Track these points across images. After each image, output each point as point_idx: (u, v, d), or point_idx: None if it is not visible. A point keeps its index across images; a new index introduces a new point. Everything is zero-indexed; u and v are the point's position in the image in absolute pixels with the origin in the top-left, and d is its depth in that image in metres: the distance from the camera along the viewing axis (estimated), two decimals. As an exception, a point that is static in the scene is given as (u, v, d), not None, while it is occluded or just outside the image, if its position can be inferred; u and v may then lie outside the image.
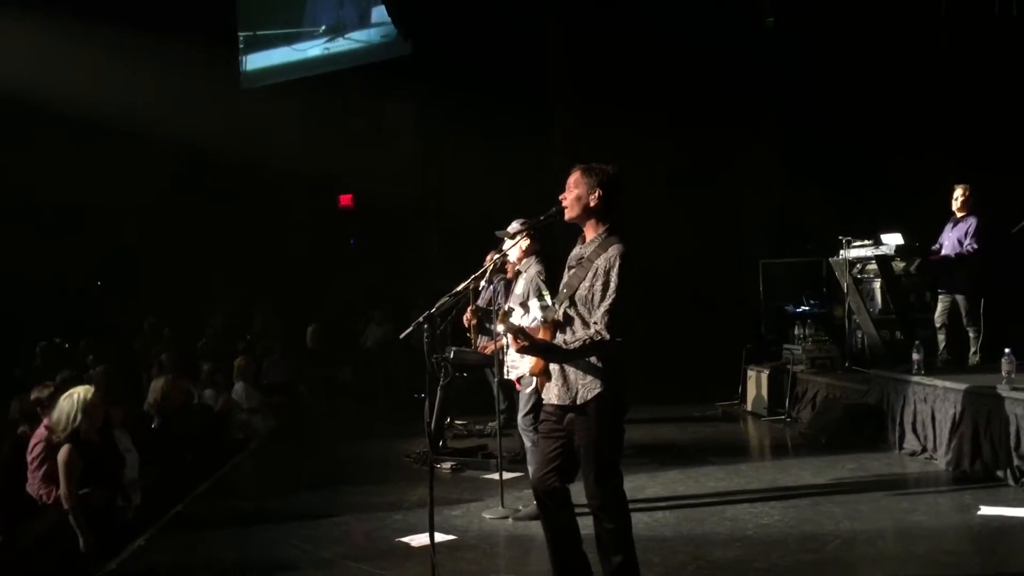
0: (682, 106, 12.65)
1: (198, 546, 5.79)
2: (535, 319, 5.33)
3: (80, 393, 5.92)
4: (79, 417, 5.80)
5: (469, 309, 7.58)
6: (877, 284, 9.58)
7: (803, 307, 11.34)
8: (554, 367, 4.23)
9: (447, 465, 7.62)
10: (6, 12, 12.75)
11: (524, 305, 5.99)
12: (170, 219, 14.19)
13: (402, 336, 4.61)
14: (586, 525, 4.30)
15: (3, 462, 6.19)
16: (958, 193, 8.90)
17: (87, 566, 5.21)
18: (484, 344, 7.78)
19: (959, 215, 8.94)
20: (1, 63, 12.51)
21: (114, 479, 5.96)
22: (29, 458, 5.87)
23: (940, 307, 9.10)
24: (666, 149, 12.77)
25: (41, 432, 6.06)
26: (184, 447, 7.41)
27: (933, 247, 9.14)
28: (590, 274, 4.13)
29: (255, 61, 16.33)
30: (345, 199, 16.14)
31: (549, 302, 5.84)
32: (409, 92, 14.98)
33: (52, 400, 6.26)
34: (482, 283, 7.30)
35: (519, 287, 6.18)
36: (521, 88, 13.61)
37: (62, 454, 5.76)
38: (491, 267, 6.42)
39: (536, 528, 4.91)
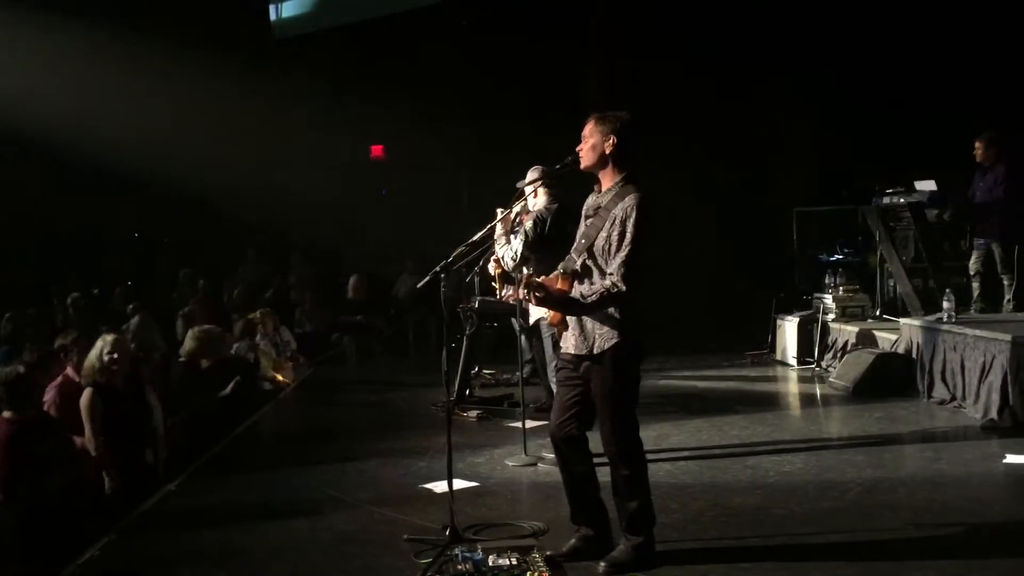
0: (714, 56, 12.49)
1: (227, 490, 5.92)
2: (507, 253, 5.46)
3: (107, 339, 6.06)
4: (104, 361, 5.93)
5: (494, 259, 7.59)
6: (912, 232, 9.46)
7: (837, 256, 11.22)
8: (571, 317, 4.24)
9: (473, 413, 7.69)
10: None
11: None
12: (200, 169, 14.26)
13: (419, 286, 4.64)
14: (605, 472, 4.34)
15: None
16: (978, 145, 8.77)
17: (112, 509, 5.34)
18: (509, 294, 7.80)
19: (986, 164, 8.79)
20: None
21: (141, 430, 6.08)
22: (44, 401, 5.97)
23: (974, 255, 8.97)
24: (699, 98, 12.64)
25: (58, 379, 6.22)
26: (217, 397, 7.52)
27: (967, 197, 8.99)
28: (607, 223, 4.11)
29: (287, 9, 16.23)
30: (376, 150, 16.13)
31: (518, 248, 6.05)
32: (442, 40, 14.86)
33: (75, 347, 6.39)
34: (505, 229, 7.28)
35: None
36: (557, 34, 13.46)
37: (84, 398, 5.91)
38: (514, 215, 6.43)
39: (557, 475, 4.95)
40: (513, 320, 7.89)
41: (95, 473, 5.58)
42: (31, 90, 12.87)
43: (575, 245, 4.25)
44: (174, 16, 13.80)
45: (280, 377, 9.40)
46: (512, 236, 6.99)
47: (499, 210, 6.00)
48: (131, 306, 10.22)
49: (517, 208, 6.44)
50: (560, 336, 4.34)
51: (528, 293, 4.11)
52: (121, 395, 6.05)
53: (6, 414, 5.29)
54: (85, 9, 13.00)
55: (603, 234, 4.12)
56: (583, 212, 4.31)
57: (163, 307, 11.83)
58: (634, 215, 4.05)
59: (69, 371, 6.51)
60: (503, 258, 6.24)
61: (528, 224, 6.26)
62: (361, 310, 12.36)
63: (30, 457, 5.16)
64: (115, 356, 6.04)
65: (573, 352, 4.23)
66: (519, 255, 6.23)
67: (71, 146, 13.04)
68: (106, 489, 5.64)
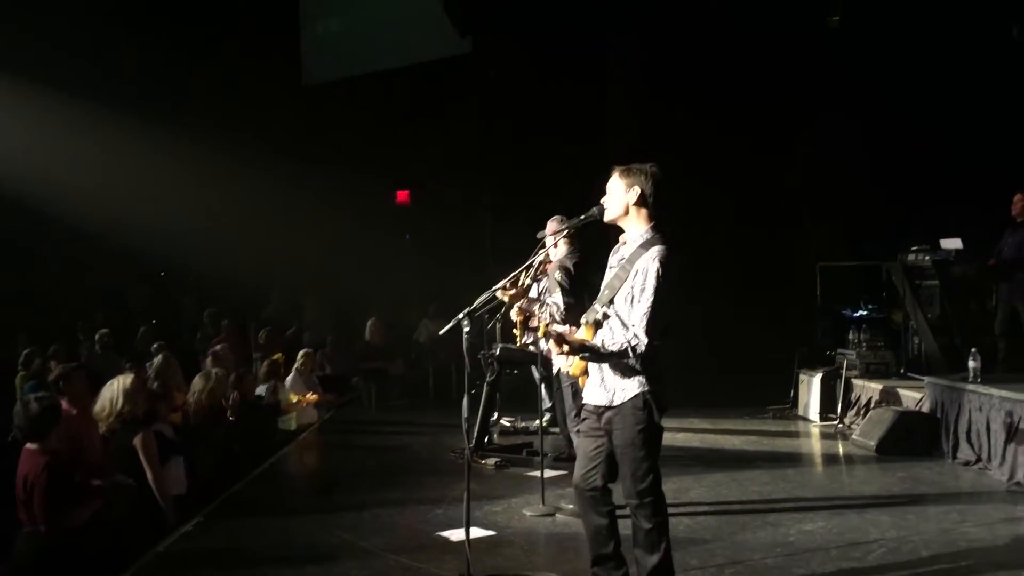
0: (741, 109, 12.56)
1: (242, 533, 5.91)
2: (544, 314, 5.58)
3: (121, 381, 6.09)
4: (121, 402, 5.95)
5: (517, 306, 7.59)
6: (937, 290, 9.39)
7: (861, 311, 11.13)
8: (592, 368, 4.25)
9: (491, 461, 7.65)
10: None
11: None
12: (230, 210, 14.46)
13: (442, 332, 4.64)
14: (626, 525, 4.30)
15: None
16: (1017, 198, 8.76)
17: (132, 549, 5.33)
18: (530, 341, 7.79)
19: (1018, 220, 8.77)
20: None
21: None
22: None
23: (1000, 314, 8.92)
24: (725, 151, 12.69)
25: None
26: (231, 440, 7.53)
27: (995, 253, 8.96)
28: (630, 276, 4.12)
29: (317, 56, 16.49)
30: (402, 195, 16.27)
31: (561, 300, 6.18)
32: (468, 89, 15.06)
33: (72, 379, 6.36)
34: (528, 279, 7.32)
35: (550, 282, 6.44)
36: (580, 84, 13.59)
37: (139, 439, 5.93)
38: (537, 264, 6.47)
39: (576, 525, 4.93)
40: (533, 368, 7.89)
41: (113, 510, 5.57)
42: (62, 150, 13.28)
43: (599, 296, 4.26)
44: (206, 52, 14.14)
45: (297, 410, 9.45)
46: (536, 284, 7.03)
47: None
48: (155, 345, 10.28)
49: (540, 258, 6.49)
50: (582, 385, 4.33)
51: (547, 341, 4.11)
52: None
53: (30, 446, 5.30)
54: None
55: (626, 286, 4.13)
56: (608, 263, 4.32)
57: (186, 347, 11.93)
58: (655, 267, 4.06)
59: (63, 403, 6.45)
60: (552, 314, 6.29)
61: (558, 275, 6.37)
62: (380, 354, 12.34)
63: (69, 488, 5.17)
64: (135, 394, 6.07)
65: (595, 403, 4.22)
66: (562, 306, 6.33)
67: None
68: (171, 525, 5.74)
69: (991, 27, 10.99)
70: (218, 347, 10.20)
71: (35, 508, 5.15)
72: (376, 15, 15.76)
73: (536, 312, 6.58)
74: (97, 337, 10.92)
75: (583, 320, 4.25)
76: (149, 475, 5.89)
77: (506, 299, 6.67)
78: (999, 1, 10.93)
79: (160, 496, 5.89)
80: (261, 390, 9.18)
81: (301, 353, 10.45)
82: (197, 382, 7.74)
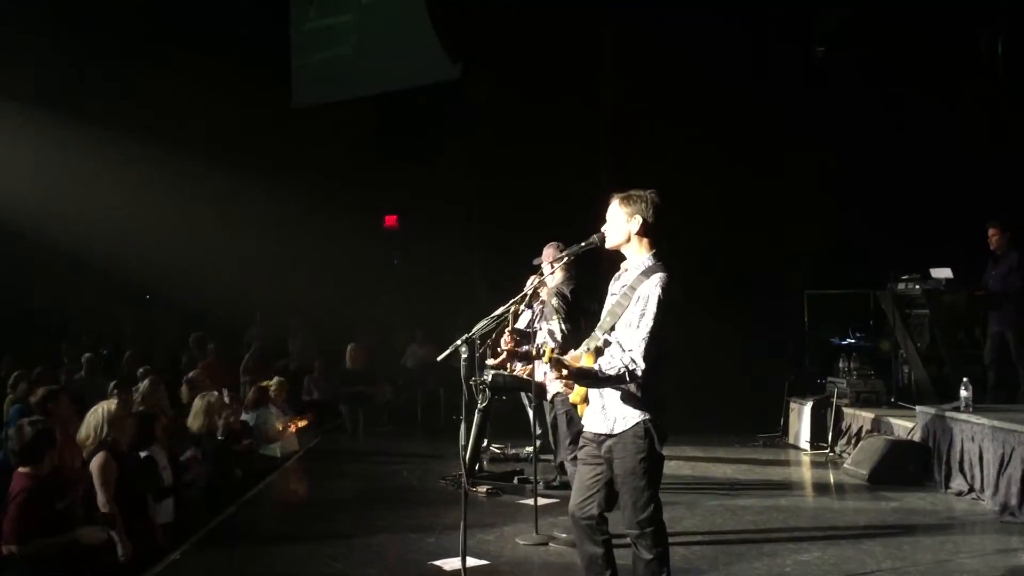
0: (732, 135, 12.61)
1: (231, 562, 5.82)
2: (544, 340, 5.60)
3: (105, 407, 5.99)
4: (105, 429, 5.84)
5: (508, 332, 7.55)
6: (927, 319, 9.42)
7: (849, 340, 11.14)
8: (593, 395, 4.20)
9: (483, 489, 7.58)
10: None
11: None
12: (217, 232, 14.38)
13: (440, 358, 4.59)
14: (624, 555, 4.24)
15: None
16: (991, 232, 8.87)
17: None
18: (521, 368, 7.75)
19: (998, 253, 8.86)
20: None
21: (146, 494, 5.99)
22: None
23: (989, 343, 8.95)
24: (713, 178, 12.72)
25: None
26: (229, 465, 7.45)
27: (982, 285, 9.01)
28: (632, 302, 4.09)
29: (306, 79, 16.47)
30: (390, 219, 16.24)
31: (558, 327, 6.20)
32: (459, 113, 15.07)
33: (53, 401, 6.26)
34: (522, 307, 7.30)
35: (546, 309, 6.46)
36: (571, 110, 13.63)
37: (97, 461, 5.79)
38: (530, 292, 6.43)
39: (570, 555, 4.87)
40: (523, 395, 7.84)
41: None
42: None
43: (600, 322, 4.22)
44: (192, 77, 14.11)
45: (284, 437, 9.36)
46: (529, 311, 7.01)
47: (528, 284, 6.07)
48: (141, 370, 10.16)
49: (534, 284, 6.47)
50: (582, 413, 4.29)
51: (551, 367, 4.06)
52: (127, 457, 5.95)
53: (22, 469, 5.20)
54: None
55: (627, 313, 4.09)
56: (608, 290, 4.29)
57: (171, 370, 11.80)
58: (656, 293, 4.03)
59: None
60: (588, 347, 6.29)
61: (555, 301, 6.36)
62: (361, 379, 12.20)
63: (45, 515, 5.06)
64: (120, 421, 5.96)
65: (595, 431, 4.18)
66: (558, 333, 6.34)
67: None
68: (120, 557, 5.45)
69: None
70: (192, 373, 10.06)
71: (5, 525, 5.03)
72: (367, 39, 15.76)
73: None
74: (83, 360, 10.80)
75: (584, 347, 4.20)
76: (100, 499, 5.66)
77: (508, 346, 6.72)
78: (985, 31, 11.04)
79: (111, 524, 5.72)
80: (248, 417, 9.08)
81: (275, 381, 10.23)
82: (197, 404, 7.63)
